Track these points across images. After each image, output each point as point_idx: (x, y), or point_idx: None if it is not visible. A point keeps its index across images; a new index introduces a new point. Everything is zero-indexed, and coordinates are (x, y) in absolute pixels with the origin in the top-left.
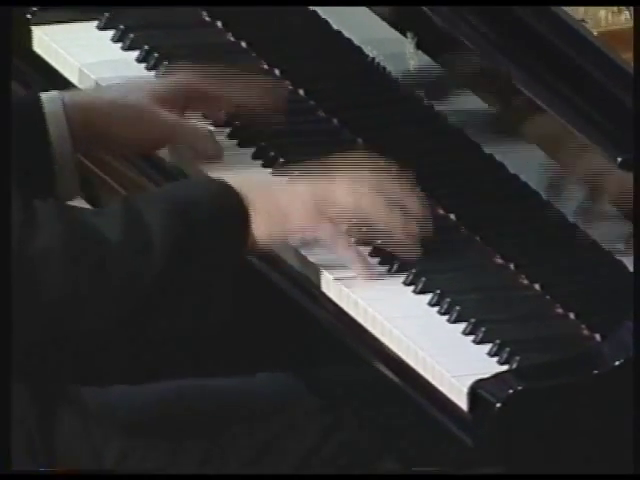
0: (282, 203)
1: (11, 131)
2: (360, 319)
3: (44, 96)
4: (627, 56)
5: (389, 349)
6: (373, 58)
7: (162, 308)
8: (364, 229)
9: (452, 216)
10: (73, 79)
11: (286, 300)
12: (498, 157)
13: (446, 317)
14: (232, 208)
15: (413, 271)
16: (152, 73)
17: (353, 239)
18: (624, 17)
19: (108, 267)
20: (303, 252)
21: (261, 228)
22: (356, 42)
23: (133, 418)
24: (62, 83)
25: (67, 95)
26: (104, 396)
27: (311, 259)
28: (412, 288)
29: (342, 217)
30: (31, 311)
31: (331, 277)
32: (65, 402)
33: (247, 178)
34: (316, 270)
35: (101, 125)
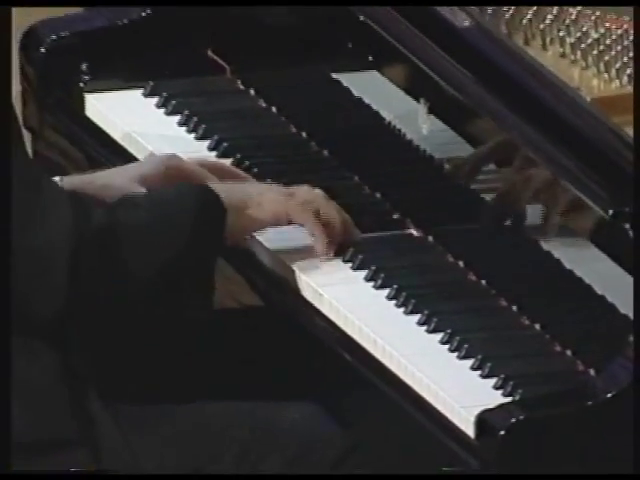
0: (255, 195)
1: (11, 131)
2: (378, 355)
3: None
4: (617, 120)
5: (405, 382)
6: (390, 121)
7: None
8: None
9: (460, 263)
10: (121, 141)
11: (313, 341)
12: (502, 210)
13: (456, 354)
14: (211, 203)
15: (426, 312)
16: (192, 135)
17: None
18: (614, 85)
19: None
20: (326, 295)
21: (239, 219)
22: (374, 107)
23: (172, 432)
24: (111, 145)
25: (65, 179)
26: (147, 412)
27: (335, 302)
28: (425, 327)
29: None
30: (95, 283)
31: (354, 318)
32: (110, 416)
33: (225, 184)
34: (342, 314)
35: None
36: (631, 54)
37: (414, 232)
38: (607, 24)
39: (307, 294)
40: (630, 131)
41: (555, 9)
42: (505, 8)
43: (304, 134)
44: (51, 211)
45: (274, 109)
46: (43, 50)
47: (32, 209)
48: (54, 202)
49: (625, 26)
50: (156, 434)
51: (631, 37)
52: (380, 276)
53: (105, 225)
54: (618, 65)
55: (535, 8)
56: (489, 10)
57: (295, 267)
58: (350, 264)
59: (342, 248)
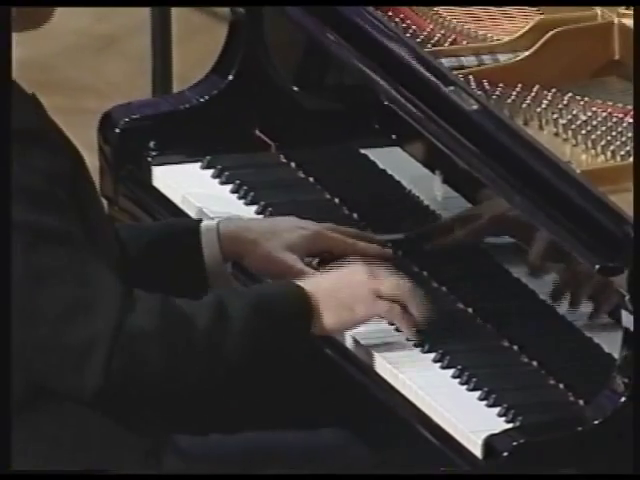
0: (346, 299)
1: (10, 132)
2: (399, 387)
3: (203, 223)
4: (602, 189)
5: (422, 411)
6: (409, 190)
7: (236, 379)
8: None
9: (470, 310)
10: (182, 206)
11: (345, 376)
12: (505, 265)
13: (465, 386)
14: (302, 305)
15: (440, 351)
16: (242, 201)
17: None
18: (600, 160)
19: (194, 346)
20: (358, 338)
21: (331, 319)
22: (396, 178)
23: (223, 459)
24: (174, 209)
25: (223, 222)
26: (201, 442)
27: (363, 342)
28: (440, 364)
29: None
30: (127, 377)
31: (378, 355)
32: (168, 446)
33: (316, 280)
34: (370, 353)
35: (242, 249)
36: (613, 133)
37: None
38: (594, 108)
39: (338, 336)
40: (614, 197)
41: (550, 95)
42: (507, 94)
43: (336, 200)
44: (100, 309)
45: (311, 179)
46: (117, 131)
47: (82, 302)
48: (105, 298)
49: (609, 110)
50: (206, 461)
51: (614, 119)
52: None
53: (148, 322)
54: (603, 142)
55: (533, 94)
56: (494, 96)
57: None
58: None
59: None
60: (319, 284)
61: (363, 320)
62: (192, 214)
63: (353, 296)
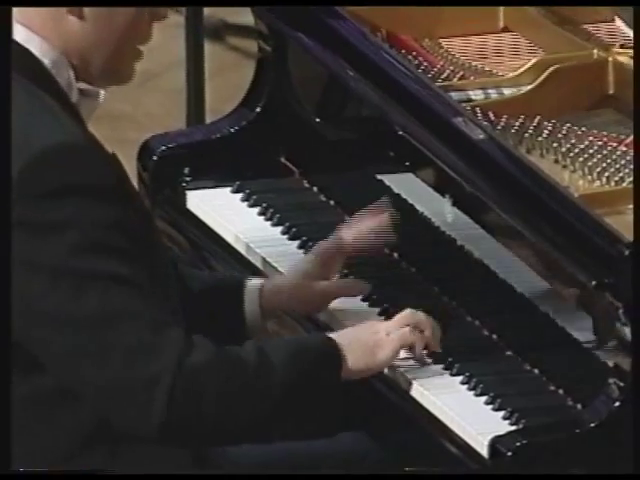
0: (367, 344)
1: (10, 131)
2: (413, 393)
3: (248, 281)
4: (598, 211)
5: (433, 414)
6: (422, 212)
7: (278, 415)
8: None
9: (477, 322)
10: (214, 228)
11: (363, 383)
12: (509, 281)
13: (473, 392)
14: (333, 353)
15: (450, 360)
16: (268, 222)
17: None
18: (596, 185)
19: (245, 386)
20: None
21: (356, 364)
22: (410, 201)
23: (252, 468)
24: (206, 230)
25: (266, 282)
26: (233, 453)
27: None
28: (450, 372)
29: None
30: (187, 412)
31: (397, 367)
32: (205, 459)
33: (339, 333)
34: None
35: (283, 301)
36: (608, 160)
37: (443, 298)
38: (590, 138)
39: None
40: (609, 219)
41: (550, 126)
42: (511, 125)
43: None
44: (164, 351)
45: (332, 202)
46: (155, 158)
47: (149, 344)
48: (169, 340)
49: (604, 139)
50: (239, 468)
51: (609, 148)
52: None
53: (203, 364)
54: (599, 169)
55: (535, 125)
56: (499, 126)
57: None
58: (384, 317)
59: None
60: (342, 335)
61: (386, 362)
62: (225, 236)
63: (373, 341)
